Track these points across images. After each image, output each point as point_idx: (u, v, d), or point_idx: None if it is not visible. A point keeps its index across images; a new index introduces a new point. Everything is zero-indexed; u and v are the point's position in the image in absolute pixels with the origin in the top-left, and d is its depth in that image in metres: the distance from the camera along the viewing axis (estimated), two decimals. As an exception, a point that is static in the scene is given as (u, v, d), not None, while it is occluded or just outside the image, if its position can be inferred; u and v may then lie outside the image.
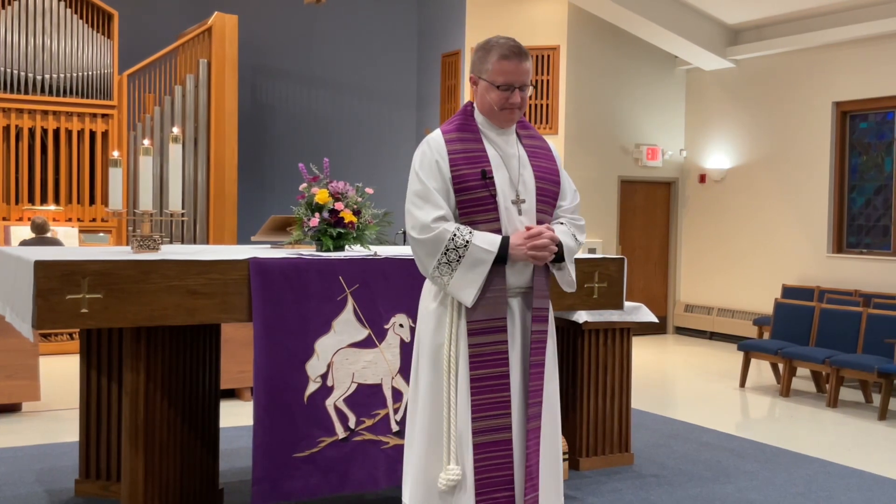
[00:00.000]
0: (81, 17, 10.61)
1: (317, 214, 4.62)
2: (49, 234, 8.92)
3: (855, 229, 10.48)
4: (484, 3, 11.77)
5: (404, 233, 8.86)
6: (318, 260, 4.14)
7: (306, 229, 4.67)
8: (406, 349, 4.28)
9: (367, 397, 4.22)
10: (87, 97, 10.57)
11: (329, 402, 4.13)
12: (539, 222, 3.17)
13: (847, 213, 10.54)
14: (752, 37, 11.29)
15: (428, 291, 3.22)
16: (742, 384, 8.67)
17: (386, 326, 4.26)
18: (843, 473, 5.61)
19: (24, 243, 8.65)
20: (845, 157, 10.54)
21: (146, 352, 4.07)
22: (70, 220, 10.45)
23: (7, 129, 10.24)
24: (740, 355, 8.94)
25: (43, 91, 10.35)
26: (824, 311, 8.39)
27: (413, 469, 3.17)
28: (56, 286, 3.59)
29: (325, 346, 4.11)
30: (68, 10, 10.46)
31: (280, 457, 4.03)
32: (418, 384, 3.20)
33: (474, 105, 3.25)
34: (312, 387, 4.10)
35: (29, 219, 10.19)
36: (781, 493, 5.16)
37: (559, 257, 3.18)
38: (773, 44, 10.93)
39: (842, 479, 5.49)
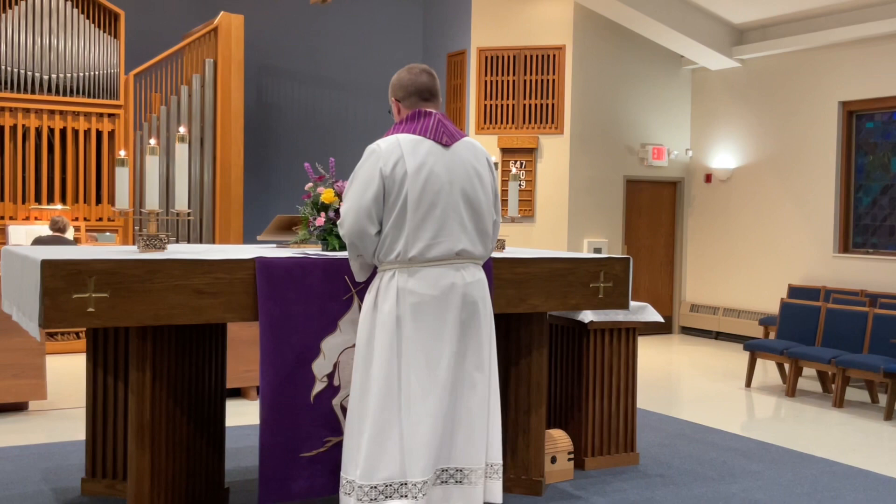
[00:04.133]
0: (88, 17, 10.64)
1: (322, 214, 4.63)
2: (66, 235, 8.92)
3: (861, 229, 10.46)
4: (490, 2, 11.76)
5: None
6: (323, 259, 4.14)
7: (312, 229, 4.69)
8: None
9: (372, 397, 4.22)
10: (94, 97, 10.60)
11: (335, 402, 4.13)
12: None
13: (853, 212, 10.51)
14: (758, 36, 11.27)
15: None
16: (748, 384, 8.66)
17: (391, 326, 4.26)
18: (848, 473, 5.60)
19: (37, 241, 8.67)
20: (851, 157, 10.52)
21: (152, 351, 4.08)
22: (77, 219, 10.48)
23: (14, 128, 10.27)
24: (746, 355, 8.94)
25: (50, 91, 10.38)
26: (830, 311, 8.37)
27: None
28: (62, 285, 3.59)
29: (331, 346, 4.11)
30: (75, 10, 10.49)
31: (286, 456, 4.03)
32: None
33: None
34: (319, 386, 4.10)
35: (35, 218, 10.23)
36: (787, 493, 5.15)
37: None
38: (779, 43, 10.91)
39: (847, 479, 5.48)
